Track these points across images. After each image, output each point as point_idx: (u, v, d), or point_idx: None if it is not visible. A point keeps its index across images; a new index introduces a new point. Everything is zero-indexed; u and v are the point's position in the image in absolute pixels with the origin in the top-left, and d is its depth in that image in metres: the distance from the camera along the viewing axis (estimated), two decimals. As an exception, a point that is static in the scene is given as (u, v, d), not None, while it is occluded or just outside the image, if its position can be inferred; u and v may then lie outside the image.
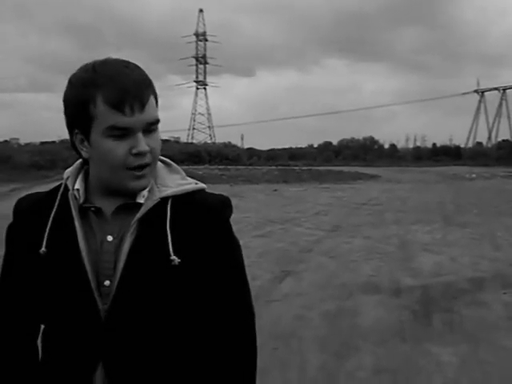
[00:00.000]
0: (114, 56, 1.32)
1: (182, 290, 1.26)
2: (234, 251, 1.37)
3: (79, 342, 1.24)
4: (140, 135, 1.22)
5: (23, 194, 1.42)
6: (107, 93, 1.20)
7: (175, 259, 1.25)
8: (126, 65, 1.25)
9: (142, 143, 1.23)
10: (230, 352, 1.31)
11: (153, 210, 1.28)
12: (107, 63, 1.25)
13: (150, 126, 1.24)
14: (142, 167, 1.24)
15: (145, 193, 1.31)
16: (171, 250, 1.26)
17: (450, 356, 4.57)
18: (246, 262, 1.38)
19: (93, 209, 1.29)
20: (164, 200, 1.30)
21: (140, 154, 1.23)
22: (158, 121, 1.26)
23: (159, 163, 1.38)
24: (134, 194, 1.30)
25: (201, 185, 1.39)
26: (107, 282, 1.26)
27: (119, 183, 1.26)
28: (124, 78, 1.21)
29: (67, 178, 1.34)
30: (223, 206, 1.38)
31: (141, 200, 1.30)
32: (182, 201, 1.32)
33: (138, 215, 1.27)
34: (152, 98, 1.25)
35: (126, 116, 1.20)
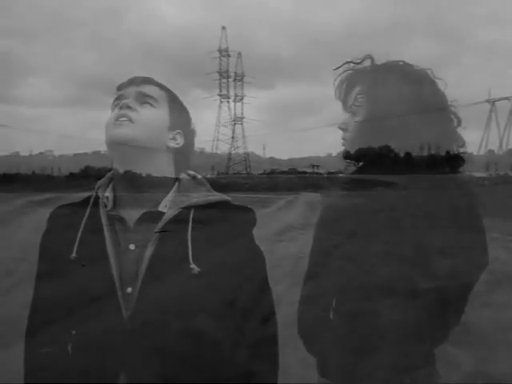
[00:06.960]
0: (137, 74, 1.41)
1: (203, 299, 1.25)
2: (256, 261, 1.35)
3: (104, 348, 1.23)
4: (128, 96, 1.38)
5: (57, 202, 1.43)
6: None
7: (195, 268, 1.24)
8: None
9: (125, 98, 1.37)
10: (252, 356, 1.30)
11: (175, 220, 1.28)
12: None
13: (143, 98, 1.30)
14: (120, 116, 1.30)
15: (167, 202, 1.30)
16: (191, 258, 1.24)
17: (466, 356, 4.50)
18: (268, 265, 1.36)
19: (118, 217, 1.29)
20: (187, 210, 1.30)
21: (119, 106, 1.30)
22: (151, 97, 1.31)
23: (185, 175, 1.39)
24: (157, 202, 1.29)
25: (225, 197, 1.38)
26: (129, 290, 1.25)
27: None
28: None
29: (98, 188, 1.35)
30: (246, 216, 1.37)
31: (163, 209, 1.29)
32: (206, 211, 1.31)
33: (160, 224, 1.27)
34: (154, 89, 1.40)
35: (121, 91, 1.40)
